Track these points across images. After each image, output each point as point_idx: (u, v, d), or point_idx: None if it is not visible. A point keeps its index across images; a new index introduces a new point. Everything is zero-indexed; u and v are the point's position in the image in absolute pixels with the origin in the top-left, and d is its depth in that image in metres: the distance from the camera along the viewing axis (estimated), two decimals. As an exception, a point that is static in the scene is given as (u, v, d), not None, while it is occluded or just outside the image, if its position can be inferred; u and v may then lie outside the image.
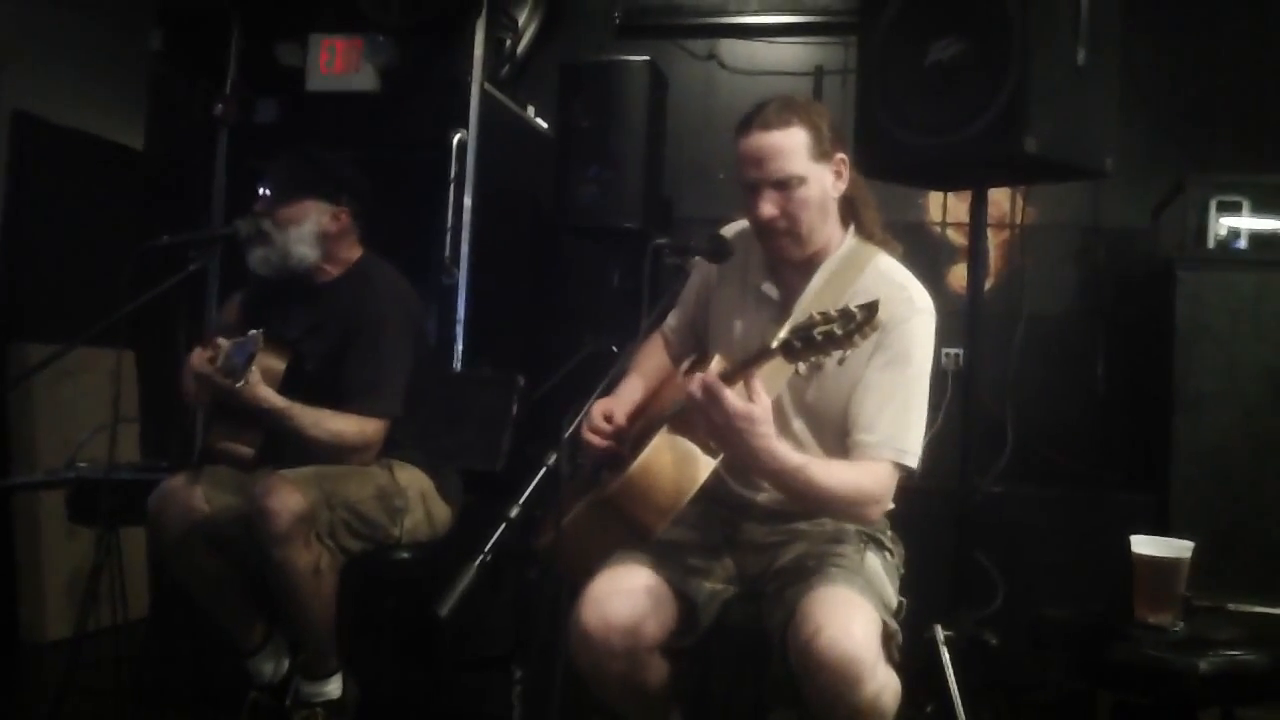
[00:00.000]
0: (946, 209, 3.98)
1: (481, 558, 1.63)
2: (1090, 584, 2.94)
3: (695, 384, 1.77)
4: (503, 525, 1.68)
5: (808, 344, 1.67)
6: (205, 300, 3.83)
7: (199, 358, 2.53)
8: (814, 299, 2.04)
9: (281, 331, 2.69)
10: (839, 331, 1.64)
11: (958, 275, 3.87)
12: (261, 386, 2.47)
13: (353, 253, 2.78)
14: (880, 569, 1.98)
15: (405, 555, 2.65)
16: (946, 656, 2.42)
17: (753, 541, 2.11)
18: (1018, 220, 3.97)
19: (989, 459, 3.31)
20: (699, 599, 1.98)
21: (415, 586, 2.69)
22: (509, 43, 4.20)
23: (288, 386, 2.59)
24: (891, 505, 2.14)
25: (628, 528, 1.95)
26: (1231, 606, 2.45)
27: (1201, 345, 3.16)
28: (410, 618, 2.87)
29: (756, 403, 1.75)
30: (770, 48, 4.39)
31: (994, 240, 3.96)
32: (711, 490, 2.00)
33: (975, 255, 2.74)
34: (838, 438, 2.03)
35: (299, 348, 2.68)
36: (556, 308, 4.34)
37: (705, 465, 1.93)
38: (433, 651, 2.96)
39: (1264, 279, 3.15)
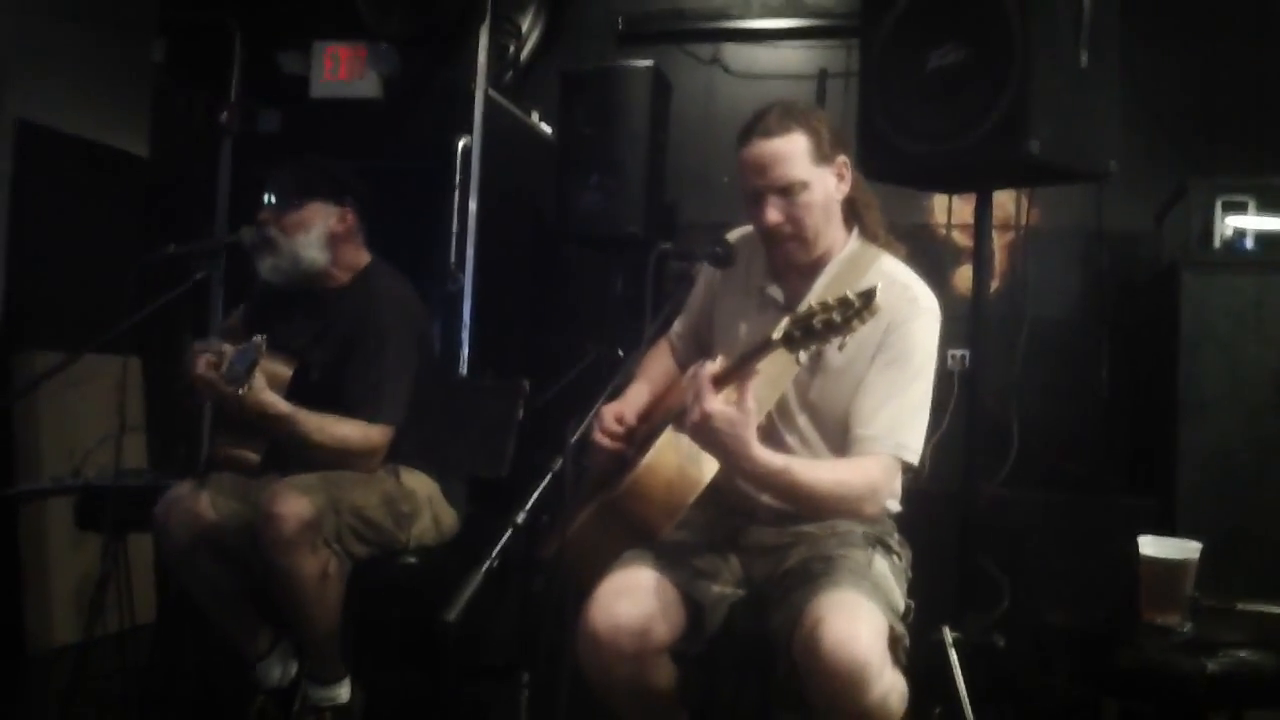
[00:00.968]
0: (951, 211, 3.99)
1: (488, 563, 1.63)
2: (1095, 588, 2.94)
3: (686, 377, 1.77)
4: (509, 531, 1.68)
5: (808, 333, 1.68)
6: (210, 309, 3.84)
7: (203, 363, 2.53)
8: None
9: (287, 339, 2.69)
10: (838, 318, 1.65)
11: (962, 277, 3.87)
12: (265, 392, 2.47)
13: (360, 258, 2.78)
14: (887, 572, 1.98)
15: (412, 561, 2.65)
16: (955, 659, 2.41)
17: (759, 544, 2.11)
18: (1023, 222, 3.97)
19: (993, 462, 3.31)
20: (706, 602, 1.98)
21: (421, 592, 2.68)
22: (512, 49, 4.21)
23: (292, 393, 2.60)
24: (899, 508, 2.15)
25: (634, 529, 1.96)
26: (1239, 607, 2.45)
27: (1206, 348, 3.15)
28: (417, 623, 2.87)
29: (742, 407, 1.76)
30: (773, 51, 4.40)
31: (998, 242, 3.96)
32: (717, 492, 2.01)
33: (980, 258, 2.74)
34: (842, 435, 2.03)
35: (304, 355, 2.68)
36: (560, 314, 4.35)
37: (710, 465, 1.94)
38: (439, 657, 2.96)
39: (1268, 281, 3.14)
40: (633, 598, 1.92)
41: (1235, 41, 3.90)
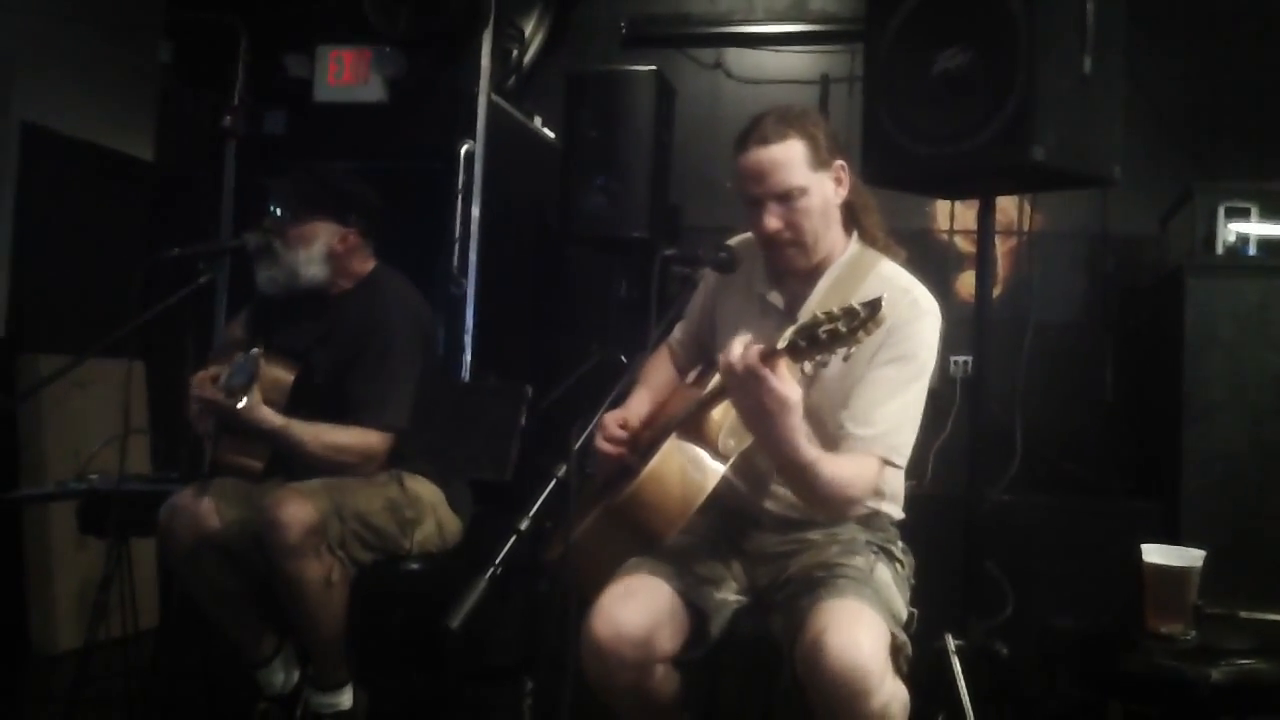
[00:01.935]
0: (954, 216, 3.98)
1: (492, 570, 1.63)
2: (1099, 593, 2.93)
3: (738, 355, 1.73)
4: (513, 538, 1.68)
5: (813, 343, 1.67)
6: (214, 312, 3.84)
7: (200, 381, 2.53)
8: (819, 305, 2.03)
9: (291, 342, 2.69)
10: (844, 329, 1.64)
11: (965, 283, 3.86)
12: (259, 408, 2.48)
13: (364, 266, 2.78)
14: (890, 580, 1.98)
15: (415, 567, 2.65)
16: (958, 667, 2.41)
17: (762, 550, 2.11)
18: (1025, 228, 3.96)
19: (997, 467, 3.30)
20: (709, 609, 1.98)
21: (425, 598, 2.68)
22: (516, 53, 4.22)
23: (296, 396, 2.60)
24: (902, 515, 2.15)
25: (638, 536, 1.95)
26: (1243, 614, 2.44)
27: (1210, 353, 3.15)
28: (420, 629, 2.87)
29: (791, 390, 1.75)
30: (777, 56, 4.40)
31: (1001, 248, 3.96)
32: (721, 498, 2.01)
33: (983, 263, 2.74)
34: (837, 437, 2.03)
35: (308, 358, 2.68)
36: (563, 317, 4.35)
37: (714, 472, 1.94)
38: (443, 663, 2.96)
39: (1272, 286, 3.14)
40: (636, 604, 1.92)
41: (1239, 45, 3.91)
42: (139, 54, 4.33)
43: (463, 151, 3.71)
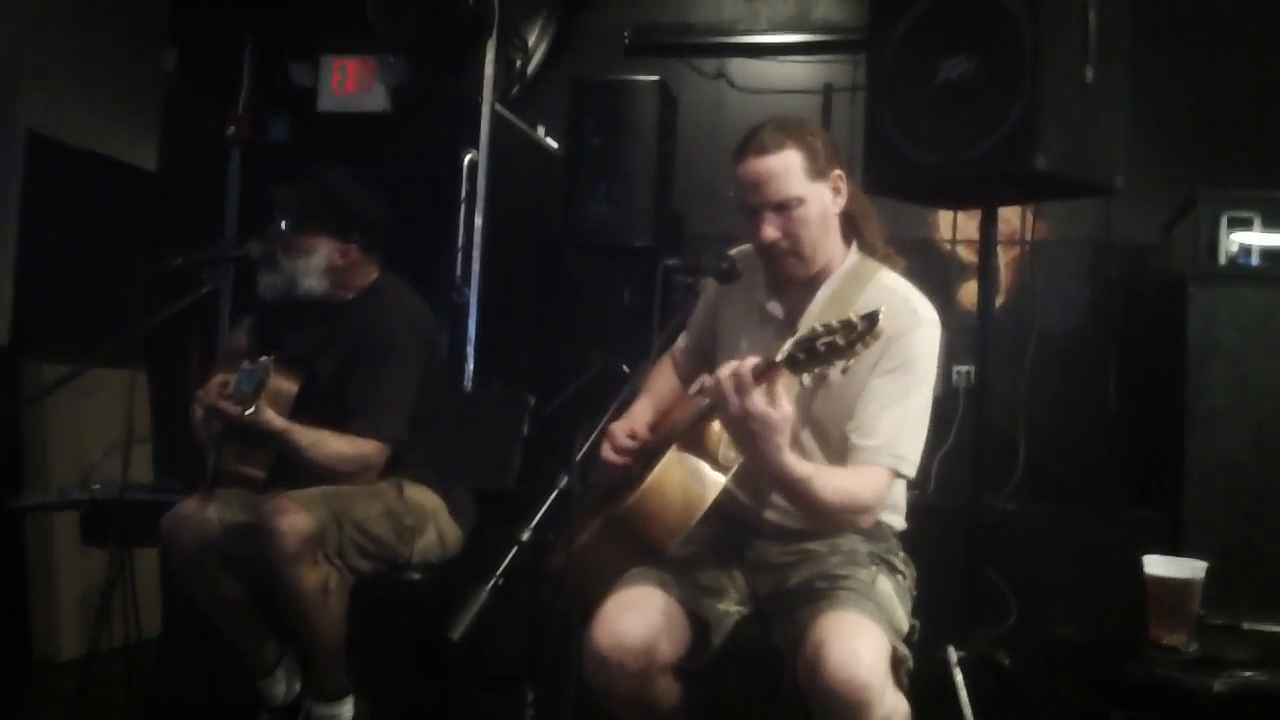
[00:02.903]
0: (956, 226, 3.98)
1: (493, 581, 1.63)
2: (1102, 601, 2.93)
3: (725, 370, 1.75)
4: (514, 549, 1.68)
5: (811, 355, 1.68)
6: (217, 320, 3.85)
7: (209, 390, 2.54)
8: (818, 315, 2.04)
9: (294, 348, 2.70)
10: (841, 341, 1.64)
11: (968, 292, 3.86)
12: (266, 412, 2.49)
13: (366, 278, 2.77)
14: (891, 592, 1.98)
15: (416, 576, 2.65)
16: (960, 679, 2.40)
17: (764, 561, 2.10)
18: (1028, 237, 3.97)
19: (1001, 476, 3.31)
20: (711, 619, 1.98)
21: (426, 607, 2.68)
22: (519, 62, 4.22)
23: (299, 404, 2.60)
24: (904, 525, 2.15)
25: (639, 546, 1.95)
26: (1246, 625, 2.44)
27: (1213, 361, 3.14)
28: (422, 638, 2.86)
29: (776, 409, 1.75)
30: (779, 66, 4.41)
31: (1004, 257, 3.96)
32: (722, 508, 2.01)
33: (986, 272, 2.74)
34: (843, 449, 2.03)
35: (311, 364, 2.68)
36: (566, 326, 4.35)
37: (715, 483, 1.94)
38: (445, 672, 2.96)
39: (1275, 295, 3.14)
40: (638, 614, 1.92)
41: (1242, 54, 3.90)
42: (144, 62, 4.34)
43: (466, 160, 3.73)
